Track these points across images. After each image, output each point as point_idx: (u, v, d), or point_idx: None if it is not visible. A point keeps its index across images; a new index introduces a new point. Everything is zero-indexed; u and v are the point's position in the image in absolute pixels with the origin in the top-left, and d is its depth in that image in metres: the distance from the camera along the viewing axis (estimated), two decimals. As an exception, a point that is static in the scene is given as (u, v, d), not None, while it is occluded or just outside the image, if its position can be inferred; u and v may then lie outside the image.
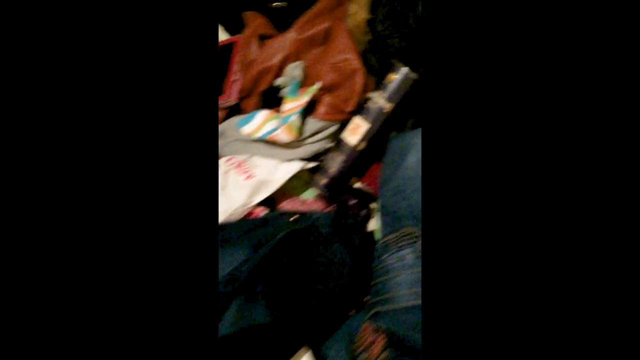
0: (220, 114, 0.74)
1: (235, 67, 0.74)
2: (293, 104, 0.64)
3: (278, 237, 0.52)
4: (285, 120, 0.63)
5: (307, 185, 0.70)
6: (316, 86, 0.64)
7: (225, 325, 0.44)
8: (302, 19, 0.68)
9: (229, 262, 0.49)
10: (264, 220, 0.60)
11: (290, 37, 0.68)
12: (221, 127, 0.71)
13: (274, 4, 0.77)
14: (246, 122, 0.66)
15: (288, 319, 0.49)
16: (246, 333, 0.45)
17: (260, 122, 0.66)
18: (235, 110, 0.74)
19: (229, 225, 0.59)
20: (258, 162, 0.65)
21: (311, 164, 0.66)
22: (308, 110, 0.66)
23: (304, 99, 0.64)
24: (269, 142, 0.65)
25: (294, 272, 0.52)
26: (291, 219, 0.59)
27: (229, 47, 0.77)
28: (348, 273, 0.56)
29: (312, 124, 0.65)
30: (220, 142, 0.70)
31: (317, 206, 0.69)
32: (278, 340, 0.49)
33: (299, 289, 0.52)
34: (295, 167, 0.65)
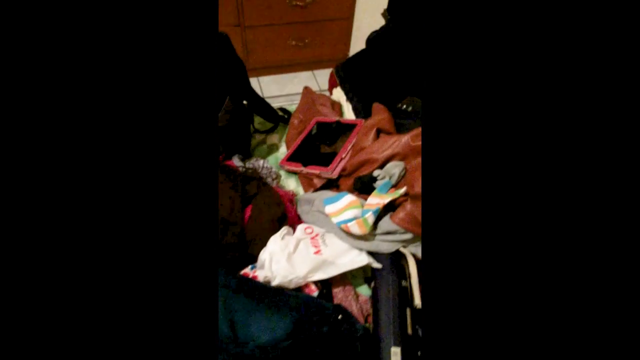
0: (317, 182, 0.82)
1: (348, 147, 0.83)
2: (377, 200, 0.67)
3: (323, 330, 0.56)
4: (363, 214, 0.66)
5: (365, 280, 0.69)
6: (402, 190, 0.66)
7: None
8: (420, 130, 0.73)
9: (270, 327, 0.54)
10: (318, 305, 0.60)
11: (404, 140, 0.73)
12: (312, 195, 0.77)
13: (402, 106, 0.86)
14: (331, 201, 0.71)
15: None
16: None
17: (342, 207, 0.69)
18: (332, 183, 0.82)
19: (285, 292, 0.61)
20: (329, 242, 0.68)
21: (376, 264, 0.66)
22: (389, 209, 0.68)
23: (387, 199, 0.66)
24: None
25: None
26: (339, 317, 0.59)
27: (352, 126, 0.87)
28: None
29: (388, 223, 0.66)
30: (307, 208, 0.75)
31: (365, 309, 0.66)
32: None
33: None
34: (362, 260, 0.65)
